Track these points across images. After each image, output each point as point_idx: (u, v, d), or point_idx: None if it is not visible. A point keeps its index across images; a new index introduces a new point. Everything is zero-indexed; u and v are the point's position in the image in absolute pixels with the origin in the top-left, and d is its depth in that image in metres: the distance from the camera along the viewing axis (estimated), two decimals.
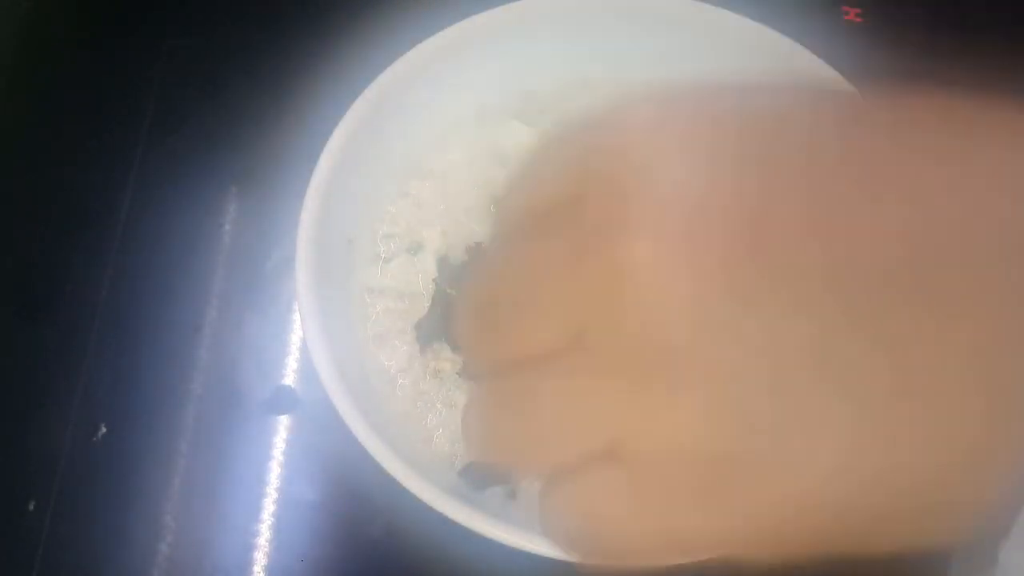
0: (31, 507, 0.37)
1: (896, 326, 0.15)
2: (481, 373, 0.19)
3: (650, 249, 0.15)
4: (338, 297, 0.33)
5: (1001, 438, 0.15)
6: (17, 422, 0.39)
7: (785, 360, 0.15)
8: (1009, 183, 0.15)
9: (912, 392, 0.15)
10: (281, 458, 0.37)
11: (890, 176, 0.15)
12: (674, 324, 0.15)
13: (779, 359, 0.15)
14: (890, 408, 0.15)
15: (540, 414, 0.18)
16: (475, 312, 0.19)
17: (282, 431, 0.38)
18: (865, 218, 0.15)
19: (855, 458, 0.15)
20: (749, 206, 0.15)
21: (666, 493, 0.17)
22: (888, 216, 0.15)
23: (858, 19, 0.44)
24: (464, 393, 0.33)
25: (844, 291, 0.15)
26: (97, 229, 0.42)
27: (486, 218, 0.36)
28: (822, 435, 0.15)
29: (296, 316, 0.38)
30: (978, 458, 0.15)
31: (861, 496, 0.16)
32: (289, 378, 0.39)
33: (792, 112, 0.17)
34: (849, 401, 0.15)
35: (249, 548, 0.36)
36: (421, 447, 0.32)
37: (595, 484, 0.17)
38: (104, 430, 0.38)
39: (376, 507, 0.36)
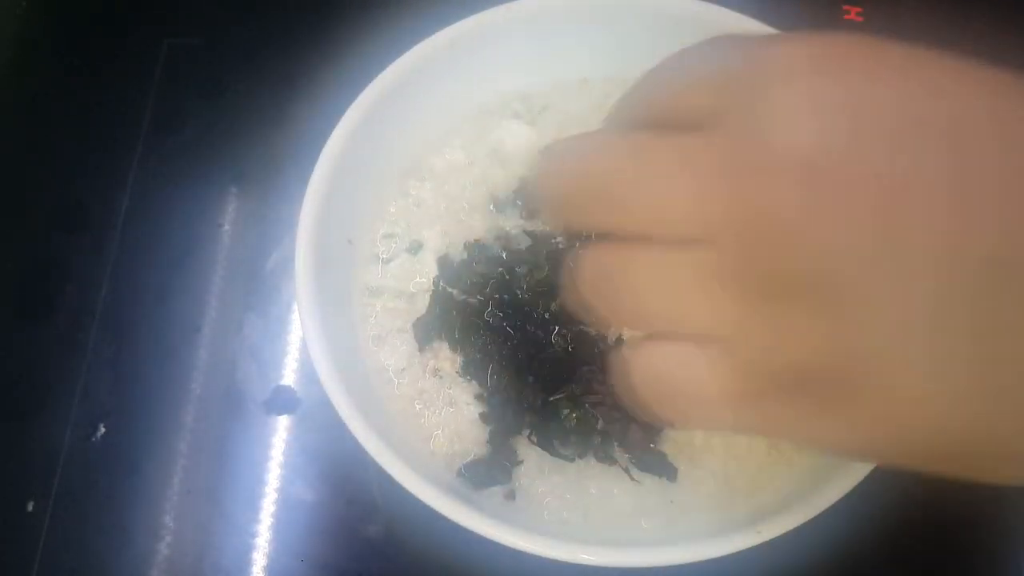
0: (31, 507, 0.37)
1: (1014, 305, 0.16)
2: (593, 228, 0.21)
3: (799, 192, 0.16)
4: (338, 297, 0.33)
5: None
6: (17, 422, 0.39)
7: (906, 303, 0.16)
8: None
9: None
10: (281, 458, 0.37)
11: None
12: (806, 257, 0.16)
13: (900, 303, 0.16)
14: (1001, 365, 0.16)
15: (657, 284, 0.18)
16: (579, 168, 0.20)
17: (282, 431, 0.38)
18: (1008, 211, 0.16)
19: (954, 406, 0.16)
20: (885, 174, 0.16)
21: (762, 388, 0.18)
22: None
23: (858, 18, 0.44)
24: (464, 393, 0.33)
25: (971, 271, 0.16)
26: (97, 229, 0.42)
27: (486, 218, 0.36)
28: (928, 372, 0.16)
29: (296, 316, 0.38)
30: None
31: (959, 441, 0.17)
32: (289, 378, 0.39)
33: (947, 87, 0.17)
34: (964, 349, 0.16)
35: (249, 548, 0.36)
36: (421, 447, 0.32)
37: (696, 357, 0.18)
38: (104, 430, 0.38)
39: (376, 507, 0.36)
